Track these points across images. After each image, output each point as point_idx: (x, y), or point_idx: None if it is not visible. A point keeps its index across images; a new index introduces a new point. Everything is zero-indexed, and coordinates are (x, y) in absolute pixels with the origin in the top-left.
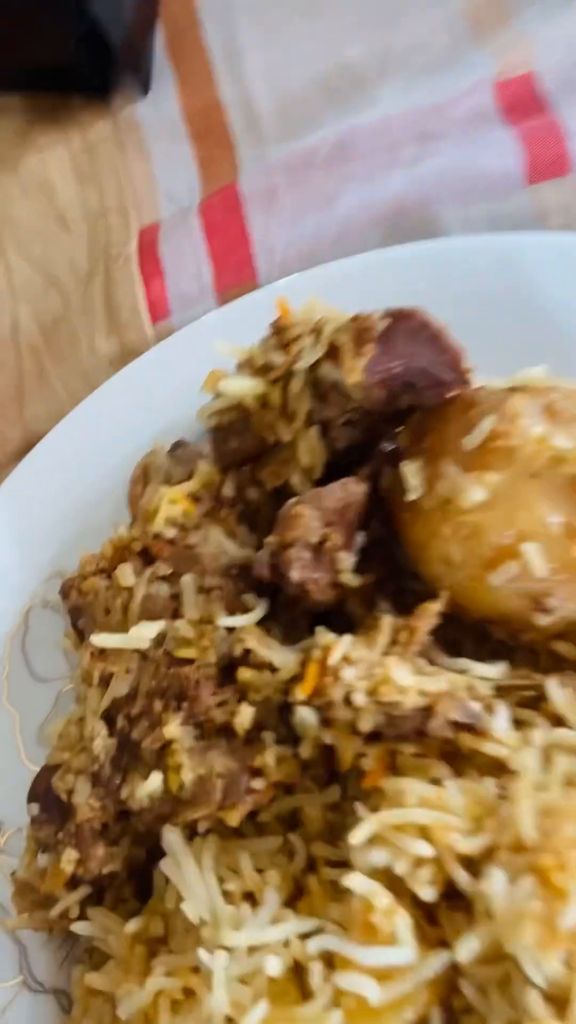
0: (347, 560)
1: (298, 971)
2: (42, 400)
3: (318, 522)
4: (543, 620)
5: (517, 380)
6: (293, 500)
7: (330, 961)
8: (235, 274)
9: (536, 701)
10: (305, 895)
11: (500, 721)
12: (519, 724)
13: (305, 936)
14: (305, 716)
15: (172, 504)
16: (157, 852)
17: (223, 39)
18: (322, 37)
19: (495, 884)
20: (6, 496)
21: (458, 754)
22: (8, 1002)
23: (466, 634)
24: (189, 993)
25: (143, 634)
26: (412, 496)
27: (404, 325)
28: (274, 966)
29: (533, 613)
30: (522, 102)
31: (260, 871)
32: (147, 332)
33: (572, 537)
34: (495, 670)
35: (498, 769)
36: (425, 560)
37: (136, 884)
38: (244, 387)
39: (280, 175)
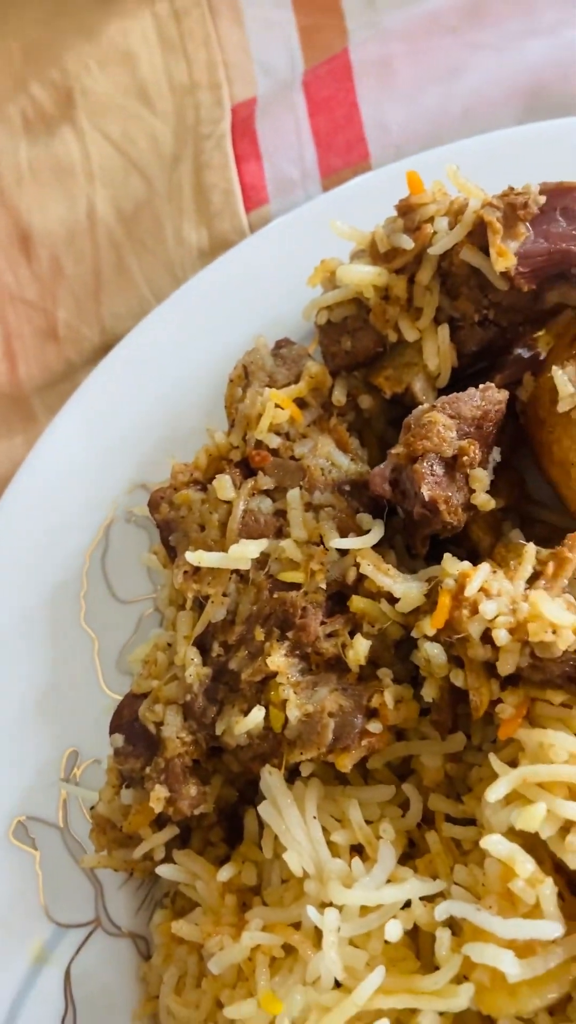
0: (484, 479)
1: (413, 935)
2: (122, 296)
3: (454, 432)
4: None
5: None
6: (425, 406)
7: (453, 928)
8: (343, 155)
9: None
10: (423, 853)
11: None
12: None
13: (426, 899)
14: (432, 653)
15: (277, 409)
16: (249, 794)
17: None
18: None
19: None
20: (83, 400)
21: None
22: (82, 943)
23: None
24: (289, 950)
25: (244, 553)
26: (565, 407)
27: (564, 203)
28: (395, 931)
29: None
30: None
31: (369, 823)
32: (242, 220)
33: None
34: None
35: None
36: (572, 482)
37: (225, 827)
38: (364, 276)
39: (397, 43)
